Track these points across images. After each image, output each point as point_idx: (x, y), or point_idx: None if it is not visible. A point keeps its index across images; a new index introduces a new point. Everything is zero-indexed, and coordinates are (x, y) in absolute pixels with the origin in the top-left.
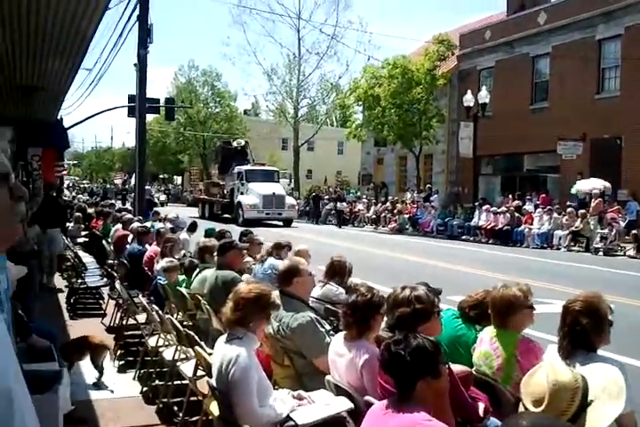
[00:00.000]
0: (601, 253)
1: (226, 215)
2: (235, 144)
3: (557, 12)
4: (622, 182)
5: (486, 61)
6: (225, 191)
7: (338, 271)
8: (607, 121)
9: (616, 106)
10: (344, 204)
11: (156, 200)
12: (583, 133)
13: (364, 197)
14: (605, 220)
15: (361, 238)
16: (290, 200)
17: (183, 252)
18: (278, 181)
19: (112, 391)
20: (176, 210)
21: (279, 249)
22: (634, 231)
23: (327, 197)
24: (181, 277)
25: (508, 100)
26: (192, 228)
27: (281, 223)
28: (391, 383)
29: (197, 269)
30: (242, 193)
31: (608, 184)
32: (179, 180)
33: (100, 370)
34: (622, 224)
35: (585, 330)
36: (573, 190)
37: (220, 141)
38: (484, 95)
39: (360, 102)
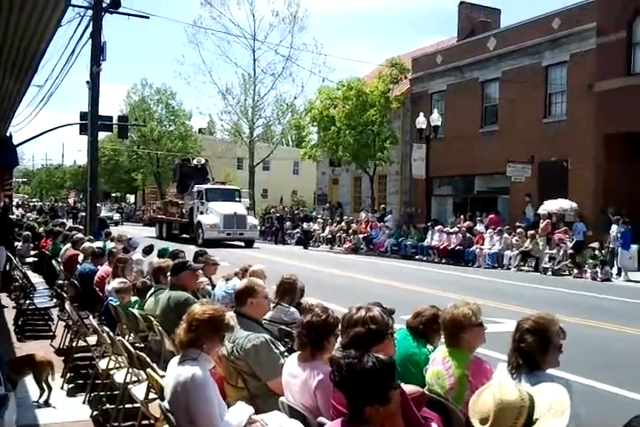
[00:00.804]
0: (550, 273)
1: (184, 235)
2: (195, 162)
3: (506, 39)
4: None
5: (438, 85)
6: (184, 211)
7: (288, 290)
8: (554, 144)
9: (562, 129)
10: (310, 224)
11: (111, 219)
12: (531, 156)
13: (320, 216)
14: (553, 240)
15: (324, 259)
16: (251, 220)
17: (134, 273)
18: (239, 201)
19: (57, 409)
20: (132, 230)
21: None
22: (570, 251)
23: (287, 216)
24: (134, 298)
25: (459, 123)
26: (148, 250)
27: (242, 244)
28: (343, 404)
29: (151, 290)
30: (202, 212)
31: (575, 204)
32: (132, 198)
33: (46, 387)
34: (570, 245)
35: (530, 349)
36: (540, 210)
37: (179, 159)
38: (435, 118)
39: (315, 123)
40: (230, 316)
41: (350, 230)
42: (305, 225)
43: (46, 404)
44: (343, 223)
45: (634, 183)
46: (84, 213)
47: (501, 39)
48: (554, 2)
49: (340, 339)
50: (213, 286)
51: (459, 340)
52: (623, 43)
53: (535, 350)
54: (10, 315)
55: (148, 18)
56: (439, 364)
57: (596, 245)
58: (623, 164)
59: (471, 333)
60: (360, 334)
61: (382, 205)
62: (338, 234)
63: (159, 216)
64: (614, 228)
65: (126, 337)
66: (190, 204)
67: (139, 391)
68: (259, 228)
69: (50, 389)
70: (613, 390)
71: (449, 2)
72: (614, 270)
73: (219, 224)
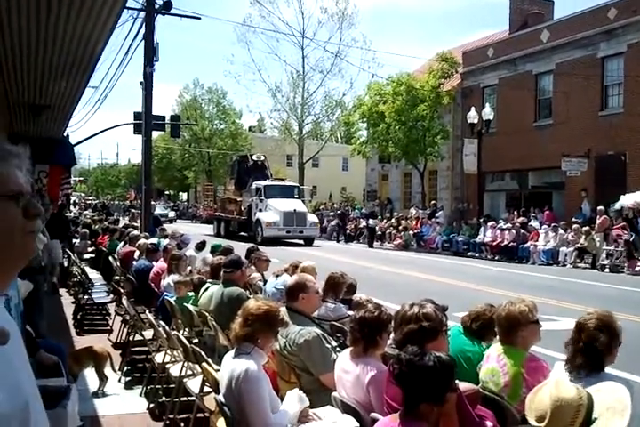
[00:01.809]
0: (607, 270)
1: (242, 233)
2: (254, 158)
3: (560, 30)
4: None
5: (489, 79)
6: (242, 208)
7: (332, 286)
8: (611, 137)
9: (620, 122)
10: (376, 220)
11: (166, 217)
12: (587, 150)
13: (373, 213)
14: (611, 236)
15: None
16: (312, 217)
17: (189, 268)
18: (299, 198)
19: (114, 401)
20: (188, 227)
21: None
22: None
23: (331, 213)
24: (190, 294)
25: (512, 117)
26: (201, 246)
27: (302, 242)
28: (397, 400)
29: (205, 286)
30: (260, 210)
31: None
32: (184, 196)
33: (102, 378)
34: (629, 239)
35: (599, 348)
36: (617, 206)
37: (237, 156)
38: (487, 112)
39: (364, 119)
40: (283, 311)
41: (400, 227)
42: (371, 222)
43: (104, 394)
44: (393, 220)
45: None
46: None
47: (555, 31)
48: None
49: (392, 335)
50: (265, 282)
51: (514, 337)
52: None
53: (600, 349)
54: (69, 310)
55: (199, 19)
56: (494, 361)
57: None
58: None
59: (527, 330)
60: (413, 330)
61: (433, 201)
62: (388, 230)
63: (217, 214)
64: None
65: (181, 332)
66: (248, 201)
67: (194, 385)
68: (319, 225)
69: (106, 379)
70: None
71: None
72: None
73: (278, 221)
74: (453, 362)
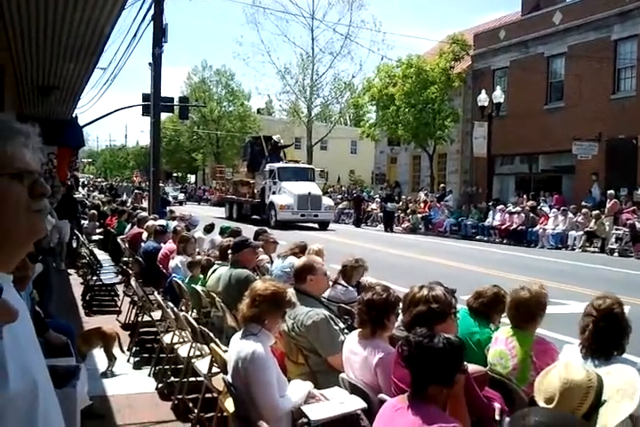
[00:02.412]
0: (616, 254)
1: (255, 216)
2: (275, 138)
3: (573, 12)
4: (638, 183)
5: (501, 61)
6: (255, 191)
7: (348, 271)
8: (623, 121)
9: (632, 106)
10: (394, 204)
11: (176, 199)
12: (599, 133)
13: (377, 196)
14: (621, 220)
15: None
16: (327, 201)
17: (197, 250)
18: (313, 180)
19: (123, 381)
20: (198, 210)
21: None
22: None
23: (339, 196)
24: (200, 275)
25: (522, 100)
26: (209, 228)
27: (317, 226)
28: (405, 382)
29: (213, 267)
30: (274, 193)
31: None
32: (192, 178)
33: (111, 358)
34: (638, 225)
35: (615, 332)
36: None
37: (250, 137)
38: (498, 95)
39: (374, 102)
40: (291, 293)
41: (408, 210)
42: (389, 205)
43: (113, 374)
44: (401, 203)
45: None
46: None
47: (568, 13)
48: None
49: (401, 317)
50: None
51: (529, 322)
52: None
53: (615, 333)
54: (78, 291)
55: None
56: (502, 344)
57: None
58: None
59: (541, 316)
60: (422, 312)
61: (442, 185)
62: (396, 214)
63: (229, 196)
64: None
65: (189, 313)
66: (262, 183)
67: (202, 365)
68: (334, 209)
69: (115, 359)
70: None
71: None
72: None
73: (292, 205)
74: (462, 344)
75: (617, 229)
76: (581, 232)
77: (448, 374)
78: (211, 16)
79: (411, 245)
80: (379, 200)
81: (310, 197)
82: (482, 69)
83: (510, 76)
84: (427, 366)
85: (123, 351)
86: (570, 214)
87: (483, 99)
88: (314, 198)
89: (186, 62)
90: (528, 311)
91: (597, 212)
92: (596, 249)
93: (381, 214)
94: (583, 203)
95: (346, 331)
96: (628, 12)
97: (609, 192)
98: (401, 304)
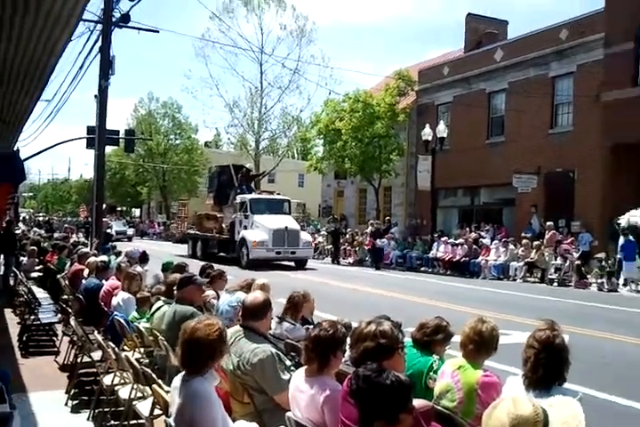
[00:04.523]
0: (555, 284)
1: (223, 254)
2: (247, 167)
3: (513, 50)
4: (575, 215)
5: (444, 97)
6: (223, 225)
7: (293, 306)
8: (561, 155)
9: (569, 140)
10: (385, 240)
11: (124, 234)
12: (538, 167)
13: (324, 229)
14: (559, 251)
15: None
16: (305, 236)
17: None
18: (290, 213)
19: (61, 426)
20: (156, 247)
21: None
22: (577, 262)
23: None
24: (137, 314)
25: (465, 135)
26: (143, 258)
27: (293, 264)
28: (352, 419)
29: (157, 305)
30: (245, 227)
31: None
32: (137, 212)
33: None
34: (576, 255)
35: (556, 363)
36: (624, 222)
37: (216, 166)
38: (442, 129)
39: (321, 136)
40: (236, 330)
41: (355, 242)
42: (379, 242)
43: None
44: (348, 236)
45: None
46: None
47: (508, 50)
48: (561, 13)
49: (348, 353)
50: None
51: (480, 355)
52: (630, 53)
53: (556, 364)
54: (14, 331)
55: (157, 32)
56: (448, 377)
57: (602, 255)
58: (630, 175)
59: (494, 348)
60: (370, 348)
61: (387, 217)
62: (343, 246)
63: (192, 232)
64: (621, 239)
65: (132, 353)
66: (231, 217)
67: (144, 408)
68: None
69: None
70: (626, 402)
71: (456, 14)
72: (621, 281)
73: (267, 241)
74: (412, 384)
75: (556, 260)
76: (522, 263)
77: (393, 411)
78: (160, 49)
79: (357, 278)
80: (325, 233)
81: (287, 233)
82: (426, 104)
83: (453, 111)
84: (373, 401)
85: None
86: (511, 246)
87: (427, 133)
88: (291, 233)
89: (132, 94)
90: (483, 344)
91: (537, 242)
92: (537, 279)
93: (328, 247)
94: (523, 234)
95: (292, 368)
96: (563, 50)
97: (548, 223)
98: (348, 340)
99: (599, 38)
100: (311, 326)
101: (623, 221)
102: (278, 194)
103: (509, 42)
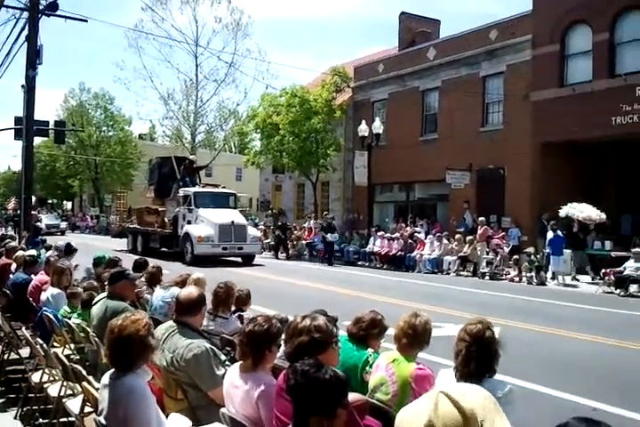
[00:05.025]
0: (487, 278)
1: (165, 249)
2: (190, 158)
3: (446, 49)
4: (506, 210)
5: (379, 93)
6: (165, 219)
7: (223, 300)
8: (491, 152)
9: (499, 138)
10: (336, 235)
11: (57, 228)
12: (469, 164)
13: (262, 223)
14: (491, 246)
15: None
16: (253, 231)
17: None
18: (236, 207)
19: None
20: (95, 242)
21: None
22: (515, 256)
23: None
24: (68, 309)
25: (400, 131)
26: (68, 250)
27: (240, 260)
28: (287, 414)
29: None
30: (189, 222)
31: (603, 215)
32: (69, 205)
33: None
34: (506, 250)
35: (487, 356)
36: (562, 213)
37: (157, 158)
38: (377, 126)
39: (259, 130)
40: (170, 325)
41: (293, 237)
42: (329, 236)
43: None
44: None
45: (568, 190)
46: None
47: (441, 49)
48: (493, 14)
49: (283, 347)
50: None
51: (414, 348)
52: (557, 55)
53: (487, 356)
54: None
55: (86, 21)
56: (383, 370)
57: (531, 250)
58: (558, 171)
59: (427, 341)
60: (304, 343)
61: (325, 212)
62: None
63: (132, 226)
64: (550, 234)
65: (62, 349)
66: (174, 211)
67: (74, 405)
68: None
69: None
70: (553, 393)
71: (391, 12)
72: (549, 275)
73: (212, 236)
74: (348, 379)
75: (488, 254)
76: (455, 257)
77: (330, 406)
78: (92, 39)
79: (296, 272)
80: (263, 227)
81: (234, 227)
82: (362, 101)
83: (388, 108)
84: (310, 396)
85: None
86: (445, 240)
87: (363, 129)
88: (238, 228)
89: (63, 85)
90: (416, 338)
91: (470, 237)
92: (469, 273)
93: (267, 241)
94: (456, 229)
95: (227, 363)
96: (494, 50)
97: (480, 219)
98: (283, 335)
99: (527, 39)
100: (244, 313)
101: (562, 211)
102: (224, 187)
103: (442, 41)
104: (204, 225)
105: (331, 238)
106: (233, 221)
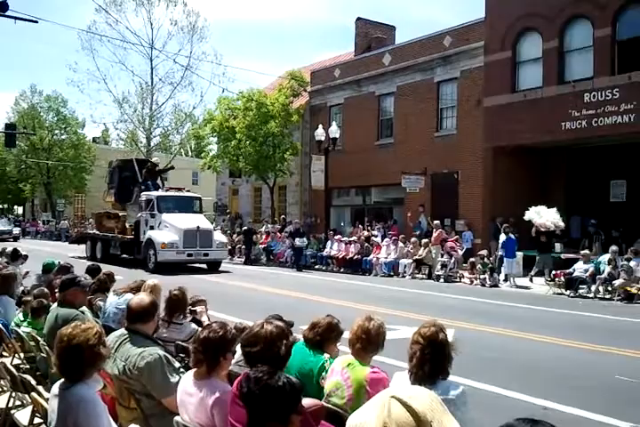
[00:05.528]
0: (442, 280)
1: (126, 256)
2: (153, 161)
3: (400, 55)
4: (459, 214)
5: (336, 98)
6: (127, 225)
7: (176, 306)
8: (445, 157)
9: (453, 143)
10: (304, 240)
11: (10, 234)
12: (424, 168)
13: (219, 227)
14: (445, 248)
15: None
16: (219, 237)
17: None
18: (201, 212)
19: None
20: (48, 248)
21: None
22: (471, 259)
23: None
24: (22, 317)
25: (356, 136)
26: (14, 256)
27: (205, 266)
28: (241, 421)
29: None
30: (152, 227)
31: (561, 224)
32: (20, 210)
33: None
34: (460, 253)
35: (441, 358)
36: (526, 217)
37: (117, 160)
38: (334, 130)
39: (215, 134)
40: (121, 333)
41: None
42: (298, 241)
43: None
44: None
45: (519, 194)
46: None
47: (396, 55)
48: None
49: (239, 353)
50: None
51: (369, 351)
52: (508, 61)
53: (440, 358)
54: None
55: (36, 22)
56: (338, 375)
57: (484, 252)
58: (509, 175)
59: (382, 345)
60: (258, 350)
61: (282, 216)
62: (237, 245)
63: (90, 232)
64: (502, 236)
65: (11, 358)
66: (135, 216)
67: (22, 417)
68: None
69: None
70: (506, 393)
71: (346, 18)
72: (501, 277)
73: (177, 242)
74: (302, 385)
75: (442, 257)
76: (411, 260)
77: (284, 413)
78: (44, 40)
79: (252, 277)
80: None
81: (199, 233)
82: (318, 105)
83: (345, 113)
84: (264, 403)
85: None
86: (400, 244)
87: (320, 133)
88: (203, 234)
89: (13, 87)
90: (370, 342)
91: (426, 240)
92: (425, 276)
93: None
94: (412, 233)
95: (182, 370)
96: (448, 56)
97: (435, 222)
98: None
99: (480, 46)
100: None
101: (526, 215)
102: (188, 191)
103: (397, 46)
104: (167, 231)
105: (299, 243)
106: (199, 227)
